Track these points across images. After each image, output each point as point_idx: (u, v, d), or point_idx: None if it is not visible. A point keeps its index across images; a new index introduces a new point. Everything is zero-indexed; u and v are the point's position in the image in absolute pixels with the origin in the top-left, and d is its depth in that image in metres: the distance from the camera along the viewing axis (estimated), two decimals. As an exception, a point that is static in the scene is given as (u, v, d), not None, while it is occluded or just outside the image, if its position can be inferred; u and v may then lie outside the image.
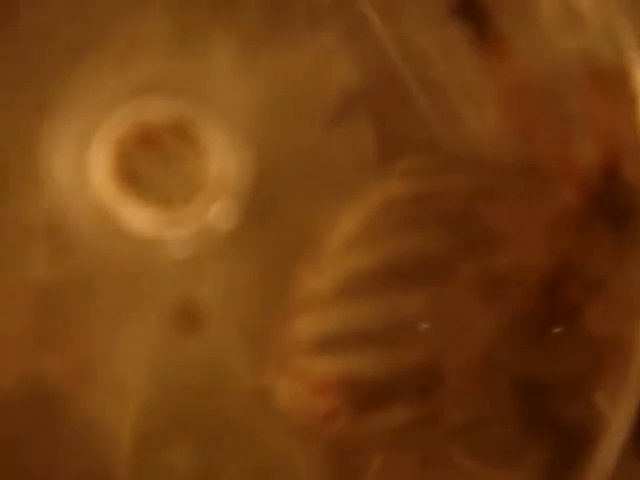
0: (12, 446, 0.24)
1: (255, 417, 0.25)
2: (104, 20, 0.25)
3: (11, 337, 0.24)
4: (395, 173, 0.25)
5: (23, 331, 0.25)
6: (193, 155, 0.25)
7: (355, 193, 0.25)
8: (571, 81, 0.25)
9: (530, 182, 0.25)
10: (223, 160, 0.25)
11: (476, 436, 0.25)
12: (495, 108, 0.25)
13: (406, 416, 0.24)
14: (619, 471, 0.24)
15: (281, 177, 0.25)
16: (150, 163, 0.25)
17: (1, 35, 0.25)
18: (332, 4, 0.25)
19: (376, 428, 0.25)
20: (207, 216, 0.25)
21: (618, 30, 0.24)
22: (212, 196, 0.25)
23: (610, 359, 0.24)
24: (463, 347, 0.24)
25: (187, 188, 0.25)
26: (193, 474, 0.24)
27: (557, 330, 0.24)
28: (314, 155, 0.25)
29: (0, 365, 0.25)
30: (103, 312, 0.25)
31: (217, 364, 0.24)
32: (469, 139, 0.25)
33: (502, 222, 0.25)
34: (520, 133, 0.25)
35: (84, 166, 0.25)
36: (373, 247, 0.24)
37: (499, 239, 0.25)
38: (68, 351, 0.25)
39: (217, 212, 0.25)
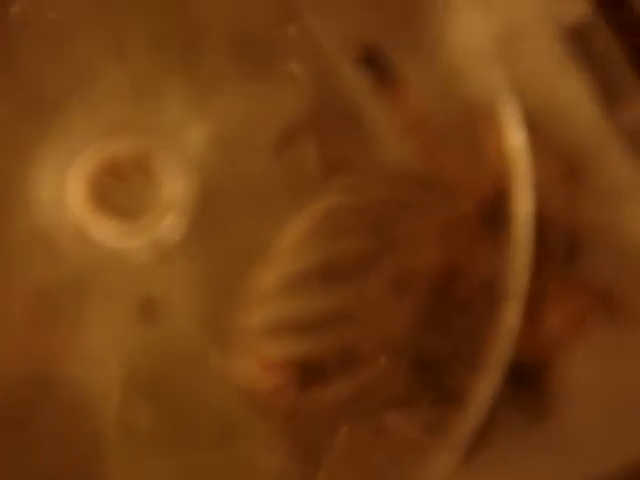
0: (19, 416, 0.27)
1: (218, 392, 0.27)
2: (77, 74, 0.27)
3: (14, 331, 0.27)
4: (334, 188, 0.28)
5: (22, 326, 0.27)
6: (149, 182, 0.28)
7: (298, 207, 0.27)
8: (461, 115, 0.28)
9: (435, 194, 0.28)
10: (173, 185, 0.28)
11: (405, 404, 0.27)
12: (403, 136, 0.28)
13: (346, 390, 0.27)
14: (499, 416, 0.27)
15: (227, 197, 0.27)
16: (115, 189, 0.28)
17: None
18: (285, 46, 0.27)
19: (324, 401, 0.27)
20: (160, 229, 0.28)
21: (490, 73, 0.27)
22: (162, 213, 0.28)
23: (479, 342, 0.27)
24: (382, 332, 0.27)
25: (143, 207, 0.28)
26: (162, 433, 0.27)
27: (449, 319, 0.27)
28: (259, 177, 0.27)
29: (8, 355, 0.27)
30: (80, 307, 0.27)
31: (178, 348, 0.27)
32: (392, 159, 0.28)
33: (411, 228, 0.28)
34: (425, 156, 0.28)
35: (63, 192, 0.28)
36: (313, 251, 0.27)
37: (408, 242, 0.27)
38: (55, 340, 0.27)
39: (168, 226, 0.28)
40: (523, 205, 0.27)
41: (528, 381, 0.28)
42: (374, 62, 0.28)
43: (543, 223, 0.27)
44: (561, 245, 0.28)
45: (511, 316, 0.27)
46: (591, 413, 0.28)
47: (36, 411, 0.27)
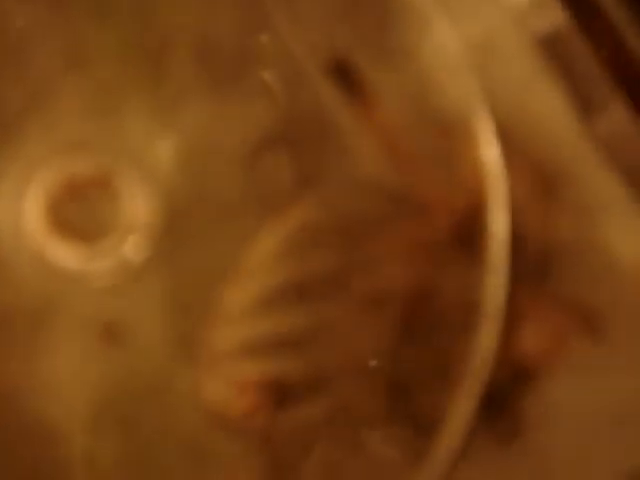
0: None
1: (188, 416, 0.27)
2: (36, 87, 0.27)
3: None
4: (307, 202, 0.27)
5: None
6: (110, 201, 0.27)
7: (268, 223, 0.27)
8: (434, 129, 0.27)
9: (409, 209, 0.27)
10: (135, 204, 0.27)
11: (381, 424, 0.27)
12: (376, 149, 0.27)
13: (321, 409, 0.27)
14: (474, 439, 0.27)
15: (194, 214, 0.27)
16: (75, 209, 0.27)
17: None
18: (257, 55, 0.27)
19: (298, 421, 0.27)
20: (122, 251, 0.27)
21: (464, 85, 0.27)
22: (125, 234, 0.27)
23: (454, 363, 0.27)
24: (354, 351, 0.27)
25: (105, 229, 0.27)
26: (130, 460, 0.27)
27: (418, 342, 0.27)
28: (228, 193, 0.27)
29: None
30: (41, 335, 0.27)
31: (145, 372, 0.27)
32: (366, 172, 0.27)
33: (385, 244, 0.27)
34: (399, 170, 0.28)
35: (20, 213, 0.27)
36: (289, 266, 0.27)
37: (383, 259, 0.27)
38: (15, 369, 0.27)
39: (130, 247, 0.27)
40: (498, 221, 0.27)
41: (501, 400, 0.28)
42: (345, 74, 0.28)
43: (518, 240, 0.27)
44: (536, 262, 0.28)
45: (487, 335, 0.27)
46: (568, 432, 0.28)
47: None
